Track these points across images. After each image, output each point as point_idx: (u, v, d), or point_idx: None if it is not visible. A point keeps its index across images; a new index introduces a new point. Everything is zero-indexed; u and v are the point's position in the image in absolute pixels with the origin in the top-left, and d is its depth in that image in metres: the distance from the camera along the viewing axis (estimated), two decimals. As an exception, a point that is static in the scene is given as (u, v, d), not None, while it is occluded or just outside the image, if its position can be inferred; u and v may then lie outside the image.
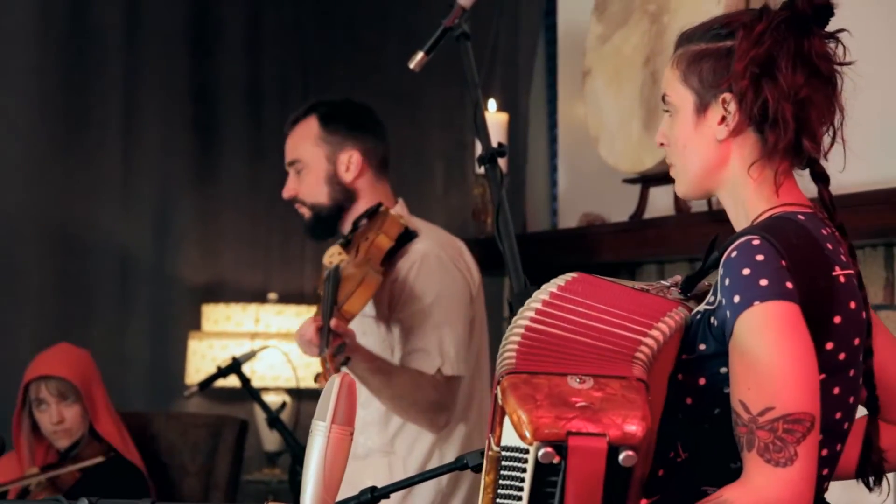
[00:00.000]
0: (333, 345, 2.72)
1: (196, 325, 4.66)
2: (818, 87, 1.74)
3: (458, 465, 1.93)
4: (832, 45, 1.77)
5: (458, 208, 4.35)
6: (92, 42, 4.64)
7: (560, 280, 1.73)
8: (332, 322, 2.75)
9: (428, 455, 3.02)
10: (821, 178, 1.79)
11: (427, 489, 2.97)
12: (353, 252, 2.97)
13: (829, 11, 1.75)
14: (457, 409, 3.03)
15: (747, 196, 1.77)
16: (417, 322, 2.96)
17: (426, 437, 3.02)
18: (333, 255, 2.98)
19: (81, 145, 4.61)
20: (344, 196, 3.09)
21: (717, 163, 1.79)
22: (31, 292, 4.48)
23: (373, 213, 3.04)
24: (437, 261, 3.01)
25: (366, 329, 3.06)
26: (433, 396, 2.93)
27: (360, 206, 3.09)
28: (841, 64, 1.76)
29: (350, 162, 3.08)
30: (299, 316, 4.50)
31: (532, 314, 1.67)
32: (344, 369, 2.83)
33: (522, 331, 1.64)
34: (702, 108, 1.78)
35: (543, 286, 1.73)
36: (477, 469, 1.89)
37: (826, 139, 1.78)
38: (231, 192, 4.85)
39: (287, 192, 3.14)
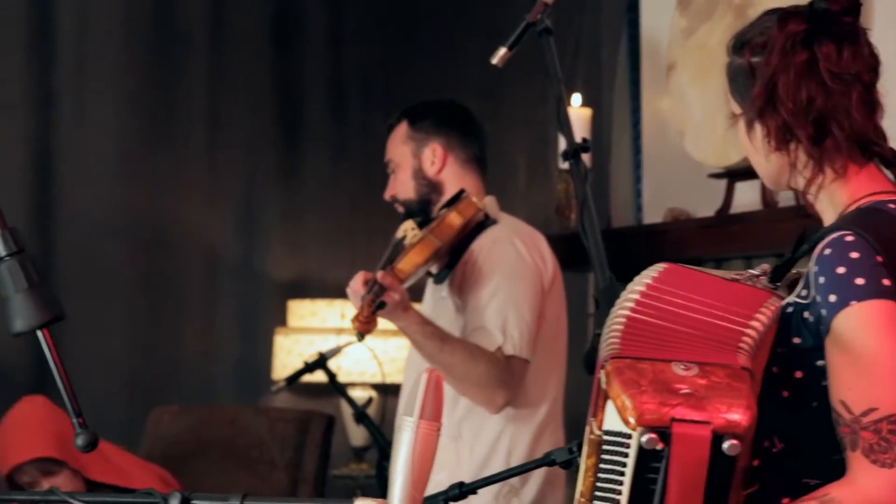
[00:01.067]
0: (374, 292, 2.83)
1: (282, 320, 4.70)
2: (836, 93, 1.72)
3: (545, 461, 1.94)
4: (862, 42, 1.75)
5: (541, 204, 4.35)
6: (177, 42, 4.70)
7: (652, 271, 1.73)
8: (379, 274, 2.85)
9: (495, 441, 3.03)
10: (890, 163, 1.77)
11: None
12: (426, 227, 3.04)
13: (853, 8, 1.73)
14: (525, 394, 3.03)
15: (828, 190, 1.76)
16: (483, 302, 2.99)
17: (493, 423, 3.02)
18: (406, 230, 3.05)
19: (168, 144, 4.67)
20: (430, 189, 3.15)
21: (778, 171, 1.79)
22: (121, 290, 4.55)
23: (455, 200, 3.08)
24: (510, 245, 3.04)
25: (439, 312, 3.11)
26: (489, 372, 2.92)
27: (447, 199, 3.14)
28: (855, 71, 1.72)
29: (434, 156, 3.15)
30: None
31: (632, 304, 1.67)
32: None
33: (624, 318, 1.64)
34: (749, 123, 1.78)
35: (636, 278, 1.72)
36: (565, 465, 1.90)
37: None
38: (315, 188, 4.89)
39: (386, 194, 3.23)
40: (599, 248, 2.39)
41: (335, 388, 3.76)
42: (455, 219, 2.99)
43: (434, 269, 3.13)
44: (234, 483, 3.61)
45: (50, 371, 1.88)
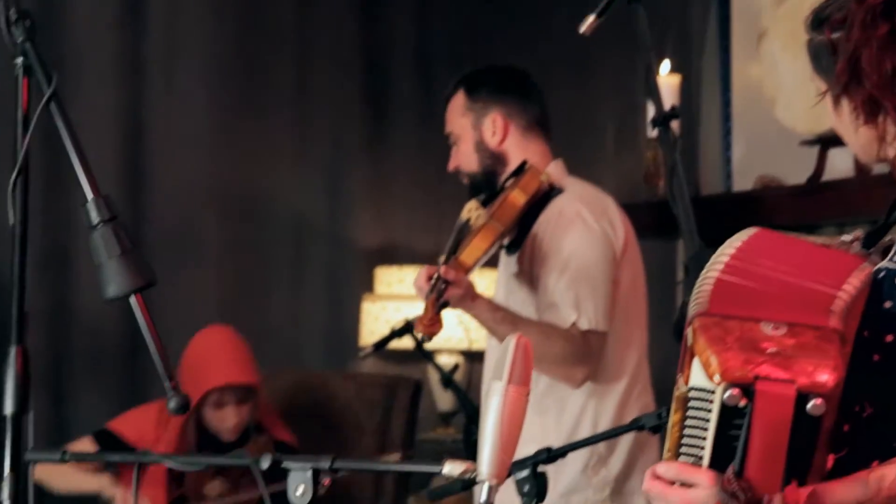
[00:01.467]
0: (437, 290, 2.79)
1: (369, 287, 4.73)
2: None
3: (634, 426, 1.94)
4: None
5: (629, 172, 4.32)
6: (265, 12, 4.73)
7: (742, 235, 1.72)
8: (442, 269, 2.81)
9: (580, 415, 3.00)
10: None
11: (582, 451, 2.92)
12: (489, 208, 2.98)
13: None
14: (604, 367, 2.99)
15: None
16: (553, 278, 2.95)
17: (576, 398, 3.00)
18: (471, 210, 3.00)
19: (256, 113, 4.71)
20: (493, 161, 3.09)
21: (868, 144, 1.77)
22: (212, 256, 4.60)
23: (519, 171, 3.03)
24: (577, 216, 2.98)
25: (511, 288, 3.07)
26: (565, 350, 2.89)
27: (511, 170, 3.08)
28: None
29: (495, 126, 3.08)
30: (482, 277, 4.53)
31: (721, 266, 1.66)
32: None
33: (713, 280, 1.64)
34: (835, 100, 1.76)
35: (726, 242, 1.71)
36: (654, 430, 1.90)
37: None
38: (402, 156, 4.90)
39: (450, 166, 3.18)
40: (689, 216, 2.38)
41: (422, 354, 3.77)
42: (518, 197, 2.93)
43: (505, 241, 3.08)
44: (323, 447, 3.63)
45: (142, 336, 1.90)
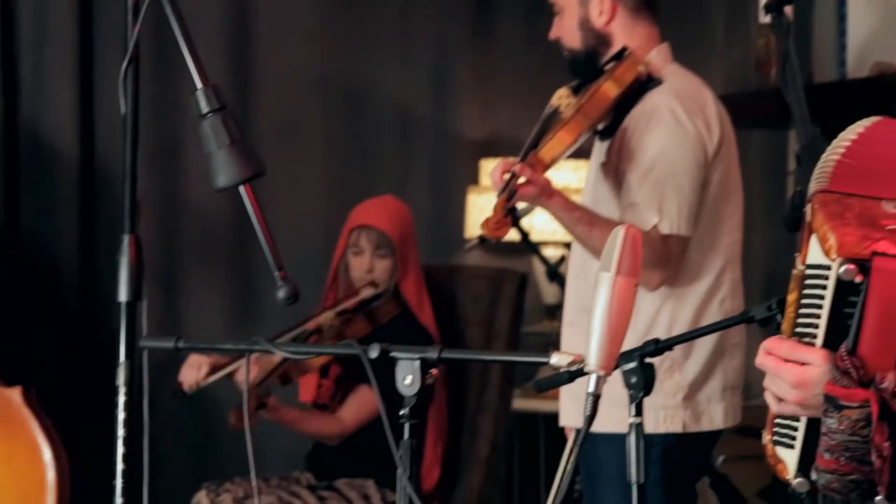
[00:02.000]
0: (510, 190, 2.68)
1: (474, 179, 4.72)
2: None
3: (744, 318, 1.92)
4: None
5: (740, 59, 4.24)
6: None
7: (865, 122, 1.68)
8: (517, 166, 2.71)
9: (654, 315, 2.92)
10: None
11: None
12: (579, 97, 2.89)
13: None
14: (684, 269, 2.90)
15: None
16: (638, 176, 2.86)
17: (650, 299, 2.91)
18: (561, 98, 2.91)
19: (363, 4, 4.68)
20: (597, 41, 2.99)
21: None
22: (318, 148, 4.62)
23: (618, 57, 2.93)
24: (669, 113, 2.88)
25: (601, 177, 2.99)
26: (643, 253, 2.81)
27: (615, 51, 2.98)
28: None
29: (602, 6, 2.98)
30: (577, 171, 4.50)
31: (842, 150, 1.63)
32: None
33: (835, 162, 1.61)
34: None
35: (847, 129, 1.68)
36: (763, 323, 1.87)
37: None
38: (508, 46, 4.85)
39: (551, 34, 3.08)
40: (802, 104, 2.33)
41: (527, 246, 3.76)
42: (610, 89, 2.83)
43: (599, 126, 2.96)
44: (429, 338, 3.67)
45: (251, 226, 1.92)
